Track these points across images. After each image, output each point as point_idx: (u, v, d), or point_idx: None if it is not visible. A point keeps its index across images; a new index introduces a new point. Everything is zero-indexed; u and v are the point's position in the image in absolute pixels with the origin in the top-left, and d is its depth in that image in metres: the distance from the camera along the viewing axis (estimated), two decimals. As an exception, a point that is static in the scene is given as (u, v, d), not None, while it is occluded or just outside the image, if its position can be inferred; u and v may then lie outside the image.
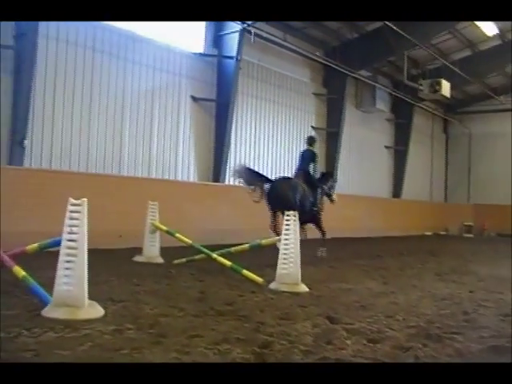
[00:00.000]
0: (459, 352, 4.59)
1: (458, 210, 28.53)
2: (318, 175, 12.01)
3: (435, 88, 21.11)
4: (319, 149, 20.47)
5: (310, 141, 12.30)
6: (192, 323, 5.21)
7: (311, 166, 11.80)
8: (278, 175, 14.24)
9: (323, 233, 11.95)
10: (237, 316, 5.61)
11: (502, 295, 7.85)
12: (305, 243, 8.95)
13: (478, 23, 19.57)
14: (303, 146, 19.75)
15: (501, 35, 21.77)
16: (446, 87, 21.27)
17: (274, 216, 11.13)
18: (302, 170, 11.76)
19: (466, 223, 28.02)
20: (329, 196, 12.28)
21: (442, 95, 21.44)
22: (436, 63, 22.87)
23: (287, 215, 7.84)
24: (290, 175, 13.15)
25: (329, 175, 12.62)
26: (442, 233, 27.84)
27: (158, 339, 4.54)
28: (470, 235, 27.13)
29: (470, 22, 19.30)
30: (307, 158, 11.91)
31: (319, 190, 11.80)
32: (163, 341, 4.50)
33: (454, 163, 30.55)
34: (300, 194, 11.05)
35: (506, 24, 20.26)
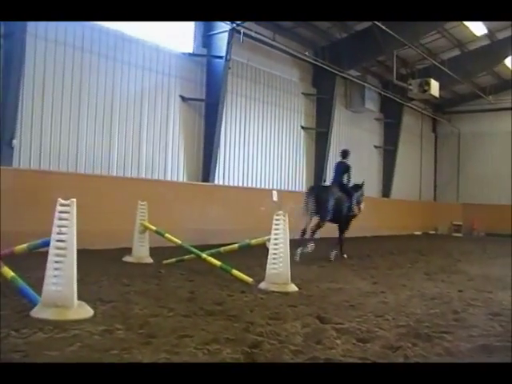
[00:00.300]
0: (449, 351, 4.61)
1: (447, 209, 28.63)
2: (350, 184, 12.67)
3: (424, 88, 21.13)
4: (309, 148, 20.61)
5: (344, 154, 12.86)
6: (181, 323, 5.21)
7: (345, 178, 12.45)
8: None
9: (342, 238, 12.53)
10: (226, 316, 5.61)
11: (491, 294, 7.90)
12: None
13: (467, 23, 19.65)
14: (294, 145, 20.04)
15: (489, 35, 21.86)
16: (435, 87, 21.30)
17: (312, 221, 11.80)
18: (337, 181, 12.47)
19: (455, 222, 28.12)
20: (357, 205, 12.75)
21: (431, 95, 21.47)
22: (425, 63, 22.92)
23: (277, 215, 7.83)
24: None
25: (359, 187, 13.02)
26: (432, 232, 27.93)
27: (147, 339, 4.54)
28: (459, 234, 27.23)
29: (458, 22, 19.37)
30: (341, 170, 12.60)
31: (353, 197, 12.46)
32: (153, 341, 4.50)
33: (443, 163, 30.63)
34: (335, 201, 11.83)
35: (495, 24, 20.38)
